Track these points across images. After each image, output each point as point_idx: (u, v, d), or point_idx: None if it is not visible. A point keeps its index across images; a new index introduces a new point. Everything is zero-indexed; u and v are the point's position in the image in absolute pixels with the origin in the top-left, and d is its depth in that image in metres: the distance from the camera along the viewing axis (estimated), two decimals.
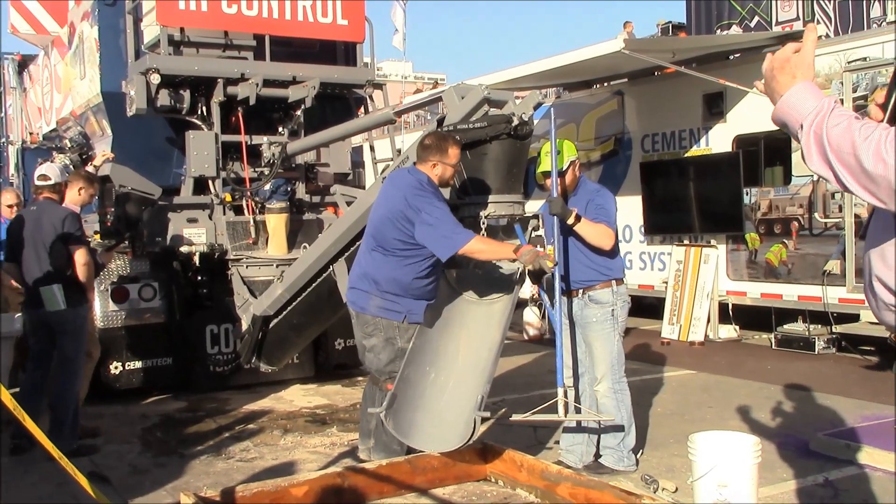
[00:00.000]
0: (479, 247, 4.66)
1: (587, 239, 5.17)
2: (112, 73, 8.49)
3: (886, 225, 1.91)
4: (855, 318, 9.16)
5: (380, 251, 4.81)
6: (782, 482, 5.10)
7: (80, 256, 5.85)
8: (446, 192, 5.13)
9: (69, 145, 9.90)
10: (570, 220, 5.10)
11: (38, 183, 6.11)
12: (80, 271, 5.83)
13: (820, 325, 9.68)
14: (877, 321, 7.21)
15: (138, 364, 7.48)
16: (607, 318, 5.24)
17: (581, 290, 5.26)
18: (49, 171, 6.21)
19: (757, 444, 4.20)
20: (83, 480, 3.65)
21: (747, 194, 10.47)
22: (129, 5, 8.20)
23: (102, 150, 8.98)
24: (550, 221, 5.25)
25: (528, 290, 11.30)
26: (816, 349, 9.42)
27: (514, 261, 4.71)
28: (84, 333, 5.99)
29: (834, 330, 9.44)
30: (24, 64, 13.04)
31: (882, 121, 1.80)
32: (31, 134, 12.34)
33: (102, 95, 8.66)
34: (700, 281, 10.62)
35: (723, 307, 10.65)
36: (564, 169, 5.26)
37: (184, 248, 7.78)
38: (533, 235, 5.32)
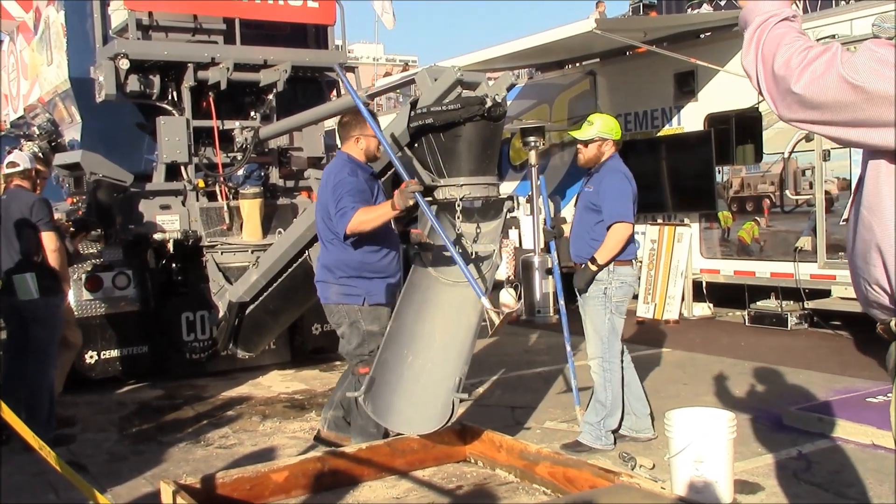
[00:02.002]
0: (363, 217, 4.76)
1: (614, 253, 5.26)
2: (80, 59, 8.39)
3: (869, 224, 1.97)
4: (826, 293, 9.28)
5: (326, 241, 5.02)
6: (757, 456, 5.17)
7: (48, 242, 5.78)
8: (416, 175, 5.14)
9: (38, 133, 9.77)
10: (593, 268, 5.24)
11: (6, 171, 6.03)
12: (51, 257, 5.77)
13: (792, 302, 9.80)
14: (848, 297, 7.29)
15: (114, 353, 7.44)
16: (599, 294, 5.31)
17: (583, 265, 5.34)
18: (18, 158, 6.13)
19: (732, 419, 4.26)
20: (66, 469, 3.63)
21: (719, 172, 10.54)
22: None
23: (67, 140, 8.88)
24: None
25: (504, 271, 11.36)
26: (789, 325, 9.54)
27: (397, 213, 4.66)
28: (57, 322, 5.94)
29: (806, 306, 9.55)
30: None
31: None
32: None
33: (70, 81, 8.56)
34: (674, 259, 10.70)
35: (696, 285, 10.74)
36: (585, 139, 5.36)
37: (157, 235, 7.74)
38: (508, 217, 5.35)
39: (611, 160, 5.39)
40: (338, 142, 5.40)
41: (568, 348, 5.43)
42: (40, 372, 5.85)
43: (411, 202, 4.53)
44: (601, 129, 5.35)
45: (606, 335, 5.33)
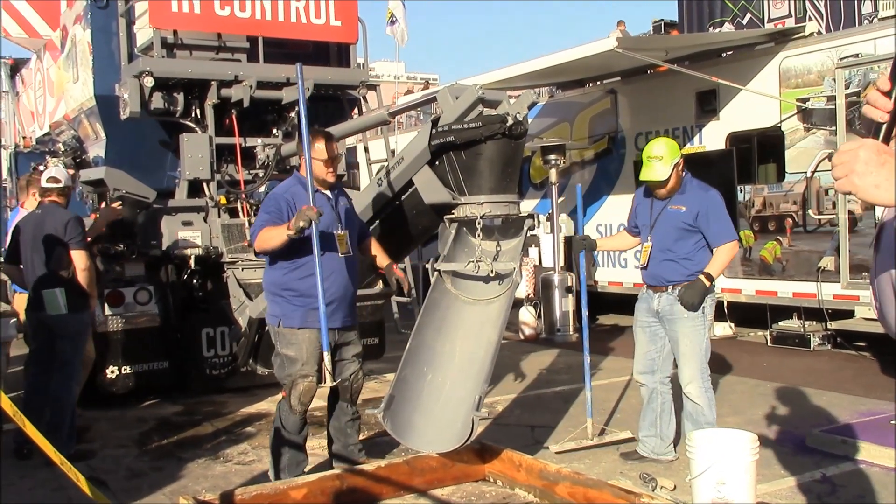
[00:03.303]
0: (264, 236, 4.77)
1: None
2: (105, 77, 8.47)
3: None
4: (850, 314, 9.18)
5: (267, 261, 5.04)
6: (780, 479, 5.11)
7: (80, 261, 5.84)
8: (438, 193, 5.15)
9: (62, 149, 9.89)
10: (708, 283, 5.09)
11: (46, 185, 6.09)
12: (81, 276, 5.82)
13: (815, 322, 9.70)
14: (872, 318, 7.19)
15: (134, 368, 7.46)
16: (699, 314, 5.13)
17: (671, 286, 5.18)
18: (59, 174, 6.19)
19: (754, 441, 4.21)
20: (84, 484, 3.64)
21: (741, 192, 10.48)
22: (122, 8, 8.19)
23: (92, 156, 8.96)
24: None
25: (523, 289, 11.34)
26: (812, 346, 9.45)
27: (290, 233, 4.60)
28: (84, 338, 5.99)
29: (829, 326, 9.45)
30: (16, 68, 13.01)
31: (891, 110, 1.74)
32: (24, 138, 12.31)
33: (96, 99, 8.64)
34: None
35: (718, 305, 10.59)
36: (667, 177, 5.14)
37: (179, 252, 7.77)
38: (529, 235, 5.32)
39: (688, 176, 5.27)
40: (353, 158, 5.45)
41: (586, 365, 5.33)
42: (64, 387, 5.89)
43: (302, 223, 4.50)
44: (671, 155, 5.12)
45: (705, 355, 5.19)
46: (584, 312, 5.60)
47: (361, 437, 5.48)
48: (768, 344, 9.92)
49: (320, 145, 4.96)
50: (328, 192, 5.04)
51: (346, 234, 5.00)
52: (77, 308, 5.83)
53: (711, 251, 5.20)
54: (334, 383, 4.93)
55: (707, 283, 5.09)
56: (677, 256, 5.16)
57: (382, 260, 5.32)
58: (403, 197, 5.60)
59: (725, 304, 10.58)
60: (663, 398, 5.37)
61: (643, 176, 5.17)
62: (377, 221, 5.92)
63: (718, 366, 8.76)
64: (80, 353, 6.05)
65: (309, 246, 4.72)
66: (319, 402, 7.53)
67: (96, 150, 9.14)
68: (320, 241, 4.74)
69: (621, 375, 7.86)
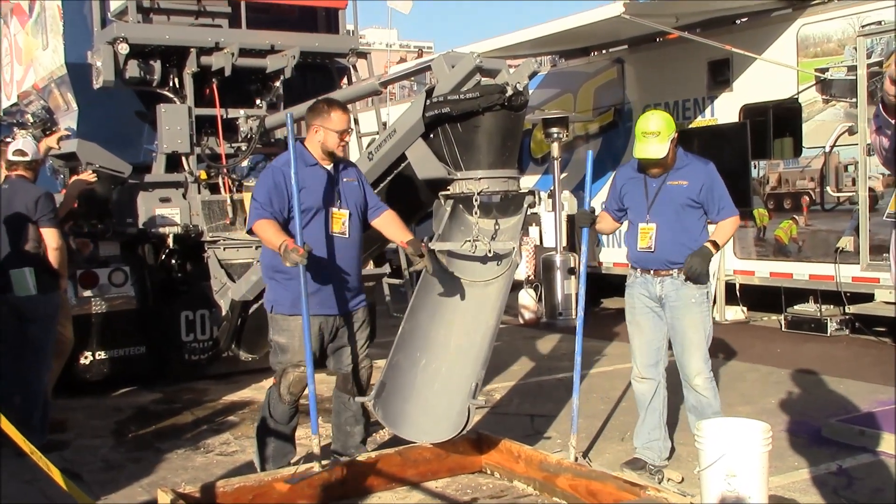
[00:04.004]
0: (258, 230, 4.72)
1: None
2: (77, 43, 8.44)
3: None
4: (869, 297, 9.21)
5: None
6: (794, 471, 5.14)
7: (51, 240, 5.82)
8: (433, 168, 5.14)
9: (31, 120, 9.80)
10: (715, 251, 5.02)
11: (12, 158, 6.05)
12: (52, 255, 5.81)
13: (832, 306, 9.73)
14: (893, 302, 7.18)
15: (110, 354, 7.47)
16: (704, 299, 5.08)
17: (676, 270, 5.05)
18: (26, 146, 6.15)
19: (767, 431, 4.23)
20: (58, 476, 3.66)
21: (755, 167, 10.49)
22: None
23: (62, 127, 8.93)
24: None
25: (523, 270, 11.35)
26: (828, 331, 9.48)
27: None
28: (55, 321, 5.98)
29: (847, 310, 9.48)
30: None
31: None
32: None
33: (67, 67, 8.60)
34: None
35: (729, 287, 10.69)
36: (666, 153, 5.00)
37: (156, 230, 7.76)
38: (529, 213, 5.32)
39: (681, 150, 5.19)
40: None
41: (578, 358, 5.22)
42: (35, 374, 5.89)
43: (287, 264, 4.49)
44: (668, 130, 5.01)
45: (708, 345, 5.12)
46: (582, 293, 5.48)
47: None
48: (783, 329, 9.95)
49: (336, 115, 4.85)
50: (330, 167, 4.92)
51: (347, 213, 4.89)
52: (47, 289, 5.82)
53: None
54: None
55: (714, 252, 5.04)
56: (685, 238, 5.06)
57: (403, 234, 5.02)
58: (395, 172, 5.58)
59: (738, 286, 10.61)
60: (664, 394, 5.31)
61: (638, 153, 5.05)
62: None
63: (730, 352, 8.80)
64: (52, 337, 6.05)
65: (302, 222, 4.68)
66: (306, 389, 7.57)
67: (68, 121, 9.11)
68: (317, 218, 4.72)
69: (627, 361, 7.88)
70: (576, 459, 4.82)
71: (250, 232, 4.89)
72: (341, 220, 4.88)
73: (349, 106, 8.31)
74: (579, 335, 5.08)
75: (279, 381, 4.93)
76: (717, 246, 5.04)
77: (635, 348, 5.30)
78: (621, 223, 5.44)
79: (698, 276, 5.00)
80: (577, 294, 10.94)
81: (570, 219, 11.11)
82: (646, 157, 5.02)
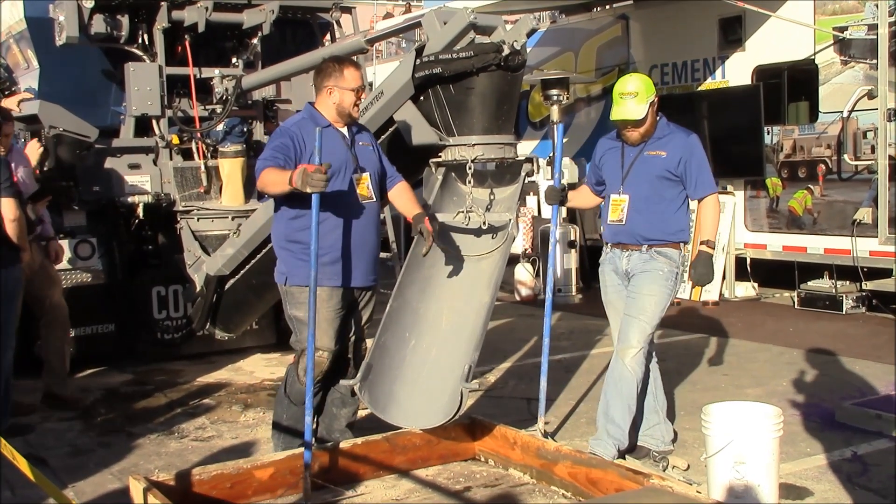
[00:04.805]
0: (265, 179, 4.64)
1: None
2: None
3: None
4: (887, 273, 9.25)
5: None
6: (806, 457, 5.19)
7: (7, 210, 5.77)
8: (423, 133, 5.14)
9: None
10: (705, 249, 5.04)
11: None
12: (10, 227, 5.75)
13: (848, 282, 9.78)
14: None
15: (76, 332, 7.44)
16: (672, 277, 5.05)
17: (646, 246, 5.06)
18: None
19: (778, 415, 4.27)
20: (22, 464, 3.66)
21: (768, 133, 10.49)
22: None
23: (23, 87, 8.87)
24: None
25: (520, 243, 11.37)
26: (844, 308, 9.54)
27: (291, 188, 4.46)
28: (18, 297, 5.95)
29: (864, 287, 9.54)
30: None
31: None
32: None
33: (26, 21, 8.52)
34: None
35: (740, 262, 10.73)
36: (644, 116, 4.99)
37: (125, 199, 7.73)
38: (527, 182, 5.32)
39: (663, 119, 5.16)
40: None
41: (546, 339, 5.24)
42: None
43: (310, 190, 4.33)
44: (647, 92, 5.00)
45: (655, 322, 5.09)
46: (550, 280, 5.53)
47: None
48: (795, 306, 10.01)
49: (349, 72, 4.79)
50: (344, 130, 4.90)
51: (368, 176, 4.86)
52: (6, 263, 5.79)
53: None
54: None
55: (711, 251, 5.09)
56: (660, 213, 5.06)
57: (412, 208, 5.00)
58: (383, 137, 5.57)
59: (748, 261, 10.65)
60: (654, 373, 5.32)
61: (614, 115, 5.03)
62: None
63: (739, 331, 8.85)
64: (13, 315, 6.02)
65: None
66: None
67: (28, 80, 9.04)
68: (334, 184, 4.64)
69: None
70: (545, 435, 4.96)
71: (260, 197, 4.86)
72: (365, 184, 4.85)
73: None
74: (548, 316, 5.24)
75: (298, 362, 4.89)
76: (711, 245, 5.07)
77: (613, 329, 5.32)
78: (602, 198, 5.39)
79: (708, 282, 5.13)
80: (577, 269, 11.09)
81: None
82: (623, 118, 5.01)
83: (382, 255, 8.34)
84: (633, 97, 4.96)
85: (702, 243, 5.06)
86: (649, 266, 5.04)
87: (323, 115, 4.86)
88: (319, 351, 4.78)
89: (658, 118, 5.12)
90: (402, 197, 5.10)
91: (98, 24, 7.67)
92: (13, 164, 6.53)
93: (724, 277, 10.64)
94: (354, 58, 6.53)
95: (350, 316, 5.00)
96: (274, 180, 4.58)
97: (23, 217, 5.86)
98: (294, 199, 4.74)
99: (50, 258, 6.77)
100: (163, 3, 7.81)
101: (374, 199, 4.93)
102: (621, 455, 5.03)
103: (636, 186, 5.07)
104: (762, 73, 10.45)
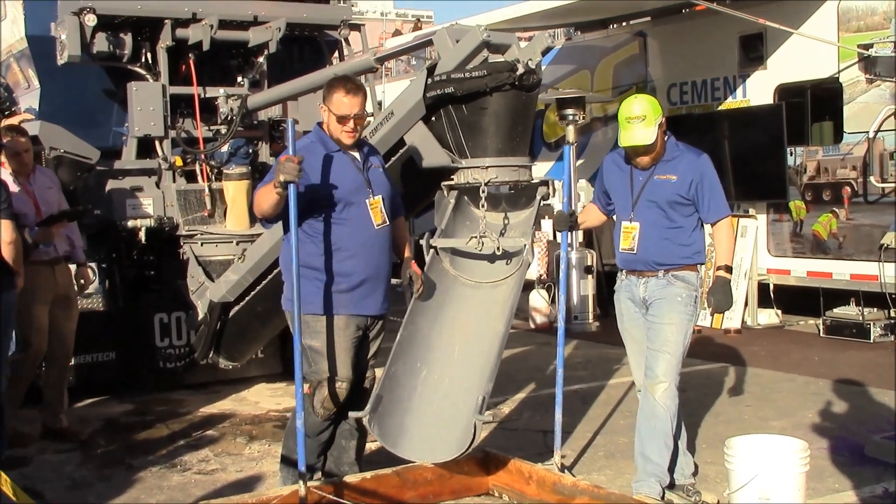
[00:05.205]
0: (256, 198, 4.69)
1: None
2: (38, 14, 8.40)
3: None
4: None
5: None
6: (834, 493, 5.16)
7: (4, 233, 5.79)
8: (435, 155, 5.13)
9: None
10: (723, 274, 5.01)
11: None
12: (5, 251, 5.77)
13: (876, 309, 9.74)
14: None
15: (76, 360, 7.45)
16: (691, 302, 5.03)
17: (662, 271, 5.03)
18: None
19: (804, 448, 4.25)
20: (21, 496, 3.66)
21: (791, 154, 10.49)
22: None
23: (23, 107, 8.91)
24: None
25: (535, 269, 11.36)
26: (872, 337, 9.49)
27: (277, 191, 4.47)
28: (10, 324, 5.96)
29: (892, 314, 9.49)
30: None
31: None
32: None
33: (27, 39, 8.57)
34: (736, 257, 10.61)
35: (763, 288, 10.70)
36: (654, 140, 4.93)
37: (127, 222, 7.75)
38: (542, 205, 5.31)
39: (672, 140, 5.12)
40: None
41: (560, 369, 5.20)
42: None
43: (283, 177, 4.35)
44: (654, 114, 4.93)
45: (684, 353, 5.06)
46: (562, 306, 5.49)
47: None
48: (821, 334, 9.97)
49: (338, 96, 4.77)
50: (355, 152, 4.90)
51: (381, 199, 4.87)
52: (1, 287, 5.79)
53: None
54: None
55: (729, 276, 5.06)
56: (673, 237, 5.03)
57: (402, 251, 5.11)
58: (393, 159, 5.58)
59: (771, 287, 10.62)
60: None
61: (623, 141, 4.97)
62: None
63: (763, 360, 8.81)
64: (6, 341, 6.02)
65: (331, 213, 4.70)
66: (292, 401, 7.58)
67: (29, 100, 9.09)
68: (348, 209, 4.70)
69: None
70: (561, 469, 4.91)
71: (262, 220, 4.88)
72: (378, 207, 4.86)
73: None
74: (561, 344, 5.16)
75: (313, 393, 4.84)
76: (729, 270, 5.05)
77: (631, 359, 5.31)
78: (611, 217, 5.40)
79: (728, 308, 5.13)
80: (594, 296, 11.06)
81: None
82: (633, 145, 4.96)
83: (392, 280, 8.37)
84: (641, 121, 4.89)
85: (718, 268, 5.04)
86: (667, 292, 5.02)
87: (331, 137, 4.87)
88: (339, 381, 4.79)
89: (667, 138, 5.10)
90: (395, 234, 5.11)
91: (101, 43, 7.72)
92: (39, 185, 6.61)
93: (746, 304, 10.60)
94: (363, 78, 6.57)
95: (362, 345, 4.99)
96: (261, 194, 4.63)
97: (19, 240, 5.86)
98: (309, 224, 4.76)
99: (78, 284, 6.81)
100: (167, 20, 7.85)
101: (388, 224, 4.94)
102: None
103: (647, 212, 5.05)
104: (785, 91, 10.46)
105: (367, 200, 4.82)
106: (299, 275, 4.55)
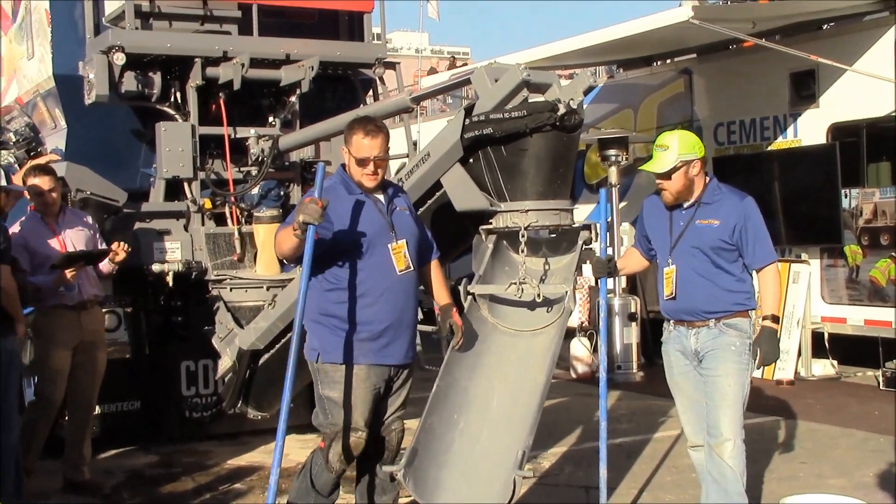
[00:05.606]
0: (276, 239, 4.72)
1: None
2: (66, 52, 8.55)
3: None
4: None
5: None
6: None
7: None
8: (473, 198, 5.13)
9: (14, 139, 9.93)
10: (769, 324, 4.98)
11: None
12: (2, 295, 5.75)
13: None
14: None
15: (100, 409, 7.49)
16: (745, 350, 5.00)
17: (713, 320, 5.01)
18: None
19: None
20: None
21: (846, 197, 10.41)
22: None
23: (49, 147, 9.02)
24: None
25: (576, 317, 11.30)
26: None
27: (296, 234, 4.49)
28: (12, 371, 5.93)
29: None
30: None
31: None
32: None
33: (55, 79, 8.71)
34: (788, 305, 10.53)
35: (817, 337, 10.57)
36: (667, 170, 4.98)
37: (155, 267, 7.79)
38: (584, 250, 5.29)
39: (714, 182, 5.13)
40: None
41: (603, 422, 5.14)
42: (4, 430, 5.89)
43: (303, 218, 4.35)
44: (680, 149, 4.98)
45: (743, 405, 5.02)
46: (603, 355, 5.44)
47: None
48: (881, 387, 9.82)
49: (357, 138, 4.80)
50: (380, 195, 4.92)
51: (405, 243, 4.87)
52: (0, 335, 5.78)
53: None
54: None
55: (776, 328, 5.02)
56: (721, 283, 5.01)
57: (441, 296, 5.08)
58: (429, 202, 5.60)
59: (826, 336, 10.49)
60: None
61: (642, 166, 5.13)
62: None
63: (818, 413, 8.68)
64: (13, 388, 6.01)
65: (352, 259, 4.71)
66: None
67: (55, 140, 9.22)
68: (370, 254, 4.72)
69: None
70: None
71: (282, 262, 4.90)
72: (402, 254, 4.85)
73: None
74: (603, 396, 5.06)
75: (329, 446, 4.83)
76: (776, 320, 5.01)
77: (681, 413, 5.29)
78: (653, 262, 5.39)
79: (775, 359, 5.09)
80: (638, 344, 10.98)
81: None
82: (644, 169, 5.04)
83: (428, 328, 8.35)
84: (664, 150, 4.97)
85: (765, 318, 5.00)
86: (719, 342, 4.99)
87: (354, 179, 4.88)
88: (356, 432, 4.77)
89: (708, 180, 5.10)
90: (432, 278, 5.13)
91: (129, 82, 7.82)
92: (68, 226, 6.67)
93: (799, 354, 10.47)
94: (398, 118, 6.58)
95: (386, 396, 4.97)
96: (281, 236, 4.66)
97: (13, 284, 5.85)
98: (330, 269, 4.77)
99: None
100: (197, 59, 7.95)
101: (412, 269, 4.93)
102: None
103: (688, 258, 5.05)
104: (838, 131, 10.40)
105: (389, 245, 4.83)
106: (301, 319, 4.60)
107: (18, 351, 5.98)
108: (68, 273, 6.48)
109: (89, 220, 7.04)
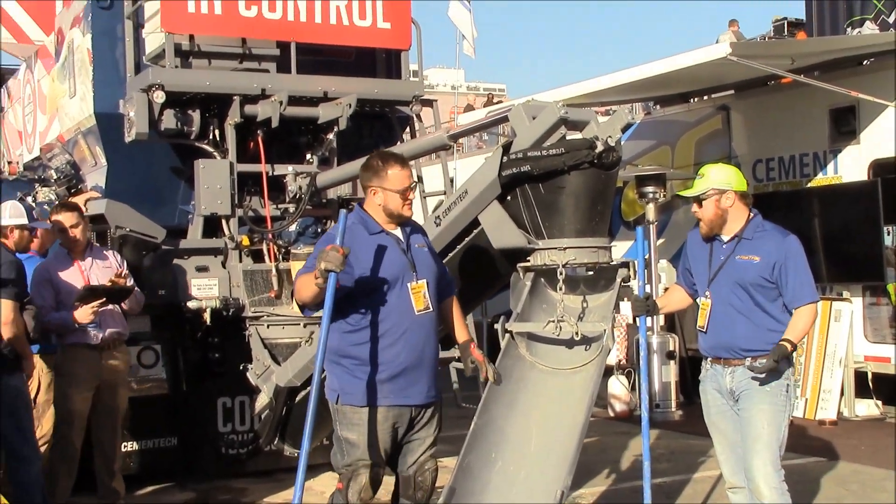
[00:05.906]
0: (297, 286, 4.73)
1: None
2: (107, 91, 8.65)
3: None
4: None
5: None
6: None
7: (2, 312, 5.78)
8: (511, 235, 5.14)
9: (55, 176, 10.10)
10: (791, 348, 4.96)
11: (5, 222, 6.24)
12: (4, 331, 5.76)
13: None
14: None
15: (136, 445, 7.53)
16: (782, 391, 5.01)
17: (749, 359, 5.03)
18: (9, 209, 6.38)
19: None
20: None
21: (888, 234, 10.32)
22: (129, 8, 8.37)
23: (89, 184, 9.12)
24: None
25: (614, 355, 11.25)
26: None
27: (318, 282, 4.49)
28: (21, 410, 5.95)
29: None
30: (1, 79, 13.37)
31: None
32: (9, 163, 12.61)
33: (96, 117, 8.81)
34: (830, 344, 10.44)
35: (860, 377, 10.45)
36: (697, 194, 5.10)
37: (192, 303, 7.84)
38: (622, 287, 5.28)
39: (758, 218, 5.17)
40: None
41: (647, 462, 5.13)
42: (25, 472, 5.91)
43: (324, 265, 4.37)
44: (716, 178, 5.12)
45: (782, 445, 5.01)
46: (644, 396, 5.42)
47: None
48: None
49: (394, 172, 4.82)
50: (398, 232, 4.93)
51: (425, 283, 4.88)
52: (6, 369, 5.80)
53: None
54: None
55: (790, 349, 4.99)
56: (760, 321, 5.02)
57: (459, 333, 5.10)
58: (466, 240, 5.60)
59: (870, 376, 10.36)
60: None
61: (680, 191, 5.22)
62: None
63: (863, 455, 8.57)
64: (26, 423, 6.03)
65: (373, 301, 4.72)
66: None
67: (95, 178, 9.33)
68: (390, 295, 4.73)
69: None
70: None
71: (302, 308, 4.91)
72: (422, 294, 4.86)
73: (413, 161, 8.42)
74: (645, 435, 5.07)
75: (347, 486, 4.81)
76: (792, 344, 4.98)
77: (719, 453, 5.28)
78: (696, 299, 5.39)
79: (770, 371, 4.99)
80: (677, 382, 10.90)
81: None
82: (680, 193, 5.24)
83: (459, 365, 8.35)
84: (701, 177, 5.13)
85: (784, 340, 4.97)
86: (755, 382, 4.96)
87: (373, 219, 4.89)
88: (376, 468, 4.79)
89: (752, 216, 5.15)
90: (449, 314, 5.14)
91: (168, 120, 7.90)
92: (93, 263, 6.75)
93: (842, 393, 10.36)
94: (435, 155, 6.60)
95: (409, 436, 4.96)
96: (302, 283, 4.68)
97: (19, 321, 5.89)
98: (350, 311, 4.78)
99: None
100: (235, 97, 8.03)
101: (431, 310, 4.93)
102: None
103: (727, 293, 5.08)
104: (880, 167, 10.35)
105: (409, 284, 4.84)
106: (322, 363, 4.64)
107: (25, 388, 6.03)
108: (90, 308, 6.53)
109: (117, 257, 7.12)
